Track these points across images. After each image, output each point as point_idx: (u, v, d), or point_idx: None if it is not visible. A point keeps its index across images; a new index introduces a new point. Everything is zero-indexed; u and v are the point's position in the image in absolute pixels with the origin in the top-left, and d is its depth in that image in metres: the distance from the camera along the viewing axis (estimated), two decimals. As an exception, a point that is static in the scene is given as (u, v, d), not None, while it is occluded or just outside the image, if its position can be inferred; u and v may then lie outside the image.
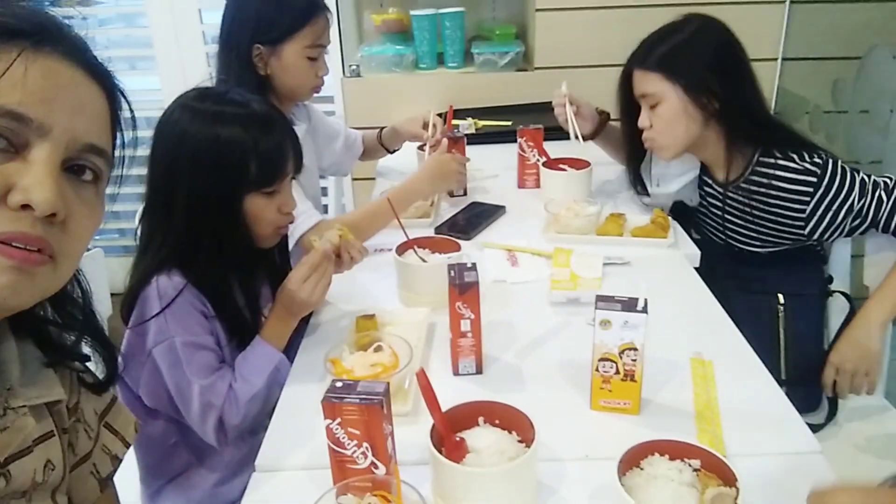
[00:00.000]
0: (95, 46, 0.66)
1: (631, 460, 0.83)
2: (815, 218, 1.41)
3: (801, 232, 1.44)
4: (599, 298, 0.99)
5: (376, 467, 0.84)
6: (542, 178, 1.86)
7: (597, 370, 1.01)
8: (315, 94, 1.70)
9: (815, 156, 1.41)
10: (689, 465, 0.83)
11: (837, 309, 1.56)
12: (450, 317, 1.10)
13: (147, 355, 1.13)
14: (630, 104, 1.54)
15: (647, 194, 1.72)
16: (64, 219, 0.60)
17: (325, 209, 2.23)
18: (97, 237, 0.68)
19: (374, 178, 2.13)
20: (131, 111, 0.70)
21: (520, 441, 0.88)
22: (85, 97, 0.63)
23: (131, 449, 0.87)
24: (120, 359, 0.84)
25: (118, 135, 0.69)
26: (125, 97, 0.69)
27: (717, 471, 0.81)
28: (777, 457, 0.95)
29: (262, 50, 1.55)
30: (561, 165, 1.83)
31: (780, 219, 1.46)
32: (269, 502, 0.93)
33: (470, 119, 2.31)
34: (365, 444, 0.83)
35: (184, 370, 1.12)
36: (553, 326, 1.28)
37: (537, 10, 2.42)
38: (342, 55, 2.55)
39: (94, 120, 0.64)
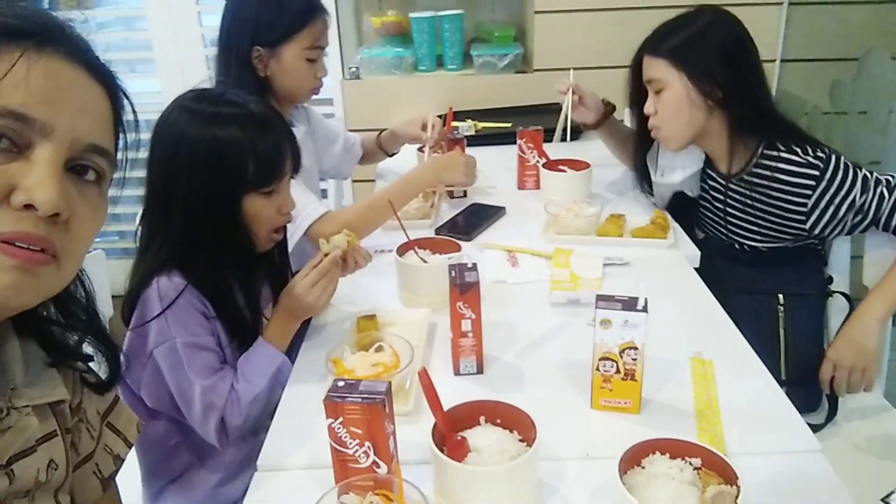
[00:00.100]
0: (95, 49, 0.66)
1: (632, 459, 0.83)
2: (817, 212, 1.41)
3: (803, 227, 1.45)
4: (600, 298, 0.99)
5: (378, 466, 0.84)
6: (542, 179, 1.86)
7: (597, 369, 1.02)
8: (314, 96, 1.70)
9: (819, 150, 1.41)
10: (690, 464, 0.83)
11: (837, 309, 1.56)
12: (451, 316, 1.11)
13: (148, 356, 1.13)
14: (640, 92, 1.56)
15: (651, 192, 1.74)
16: (67, 219, 0.60)
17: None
18: (98, 239, 0.68)
19: (374, 181, 2.13)
20: (134, 112, 0.70)
21: (521, 440, 0.88)
22: (87, 97, 0.63)
23: (133, 450, 0.87)
24: (122, 359, 0.84)
25: (121, 136, 0.69)
26: (128, 98, 0.69)
27: (718, 469, 0.82)
28: (777, 455, 0.95)
29: (262, 52, 1.55)
30: (561, 167, 1.83)
31: (781, 212, 1.46)
32: (271, 502, 0.93)
33: (469, 121, 2.32)
34: (367, 444, 0.84)
35: (185, 371, 1.12)
36: (553, 327, 1.28)
37: (536, 12, 2.43)
38: (342, 57, 2.56)
39: (96, 120, 0.64)
